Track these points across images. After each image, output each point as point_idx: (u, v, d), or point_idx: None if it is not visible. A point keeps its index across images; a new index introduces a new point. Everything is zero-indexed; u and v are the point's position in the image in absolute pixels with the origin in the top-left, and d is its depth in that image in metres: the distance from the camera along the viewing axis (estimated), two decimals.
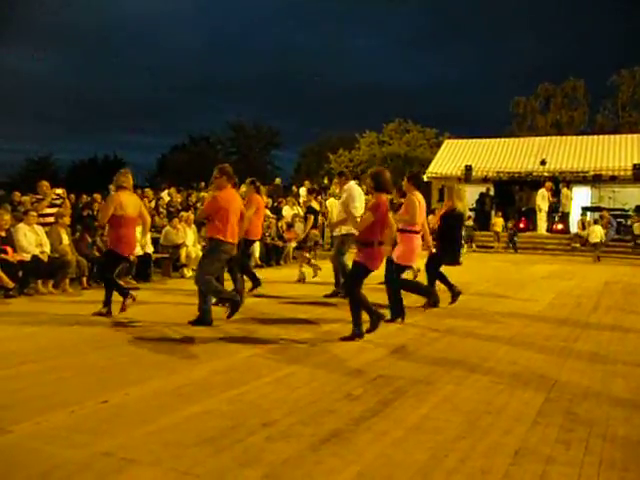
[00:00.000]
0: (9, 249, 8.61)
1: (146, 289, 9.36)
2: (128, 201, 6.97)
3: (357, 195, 8.43)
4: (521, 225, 21.91)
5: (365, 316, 5.86)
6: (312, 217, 10.34)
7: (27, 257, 8.62)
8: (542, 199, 20.43)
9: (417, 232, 7.02)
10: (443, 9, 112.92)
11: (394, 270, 6.85)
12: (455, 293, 8.02)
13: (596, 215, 19.30)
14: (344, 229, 8.28)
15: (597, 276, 12.41)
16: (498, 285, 10.69)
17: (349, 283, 6.14)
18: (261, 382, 4.38)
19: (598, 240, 16.72)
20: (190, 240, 11.60)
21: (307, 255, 10.30)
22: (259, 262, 12.72)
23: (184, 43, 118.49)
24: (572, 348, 5.71)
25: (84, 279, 9.46)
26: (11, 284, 8.16)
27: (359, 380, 4.48)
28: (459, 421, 3.63)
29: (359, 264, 5.85)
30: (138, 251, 8.91)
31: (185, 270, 11.26)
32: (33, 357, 5.03)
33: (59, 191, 10.58)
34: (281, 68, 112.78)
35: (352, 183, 8.72)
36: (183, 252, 11.30)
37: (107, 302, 6.90)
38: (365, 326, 5.85)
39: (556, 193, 22.29)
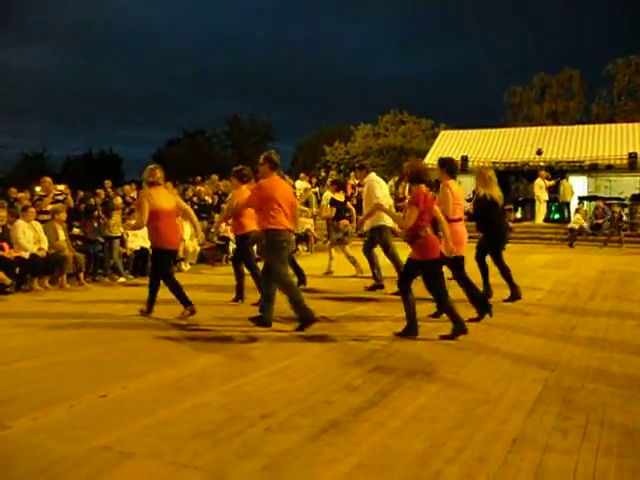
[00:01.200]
0: (5, 245, 8.60)
1: (144, 283, 9.33)
2: (158, 195, 6.67)
3: (378, 186, 8.38)
4: (517, 215, 21.89)
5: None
6: (335, 209, 10.21)
7: (25, 254, 8.60)
8: (540, 189, 20.40)
9: (457, 220, 6.78)
10: (439, 0, 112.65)
11: (452, 265, 6.61)
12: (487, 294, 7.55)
13: (580, 205, 19.32)
14: (371, 222, 8.20)
15: (594, 265, 12.43)
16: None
17: (401, 280, 5.87)
18: (259, 374, 4.39)
19: (577, 227, 17.04)
20: (187, 234, 11.58)
21: (348, 250, 10.05)
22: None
23: (179, 37, 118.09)
24: (570, 336, 5.73)
25: (81, 275, 9.44)
26: (8, 281, 8.15)
27: (357, 371, 4.49)
28: (457, 410, 3.64)
29: (414, 261, 5.63)
30: (193, 244, 8.43)
31: (182, 264, 11.25)
32: (31, 353, 5.03)
33: (61, 187, 10.60)
34: (276, 61, 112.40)
35: (372, 175, 8.68)
36: (180, 246, 11.28)
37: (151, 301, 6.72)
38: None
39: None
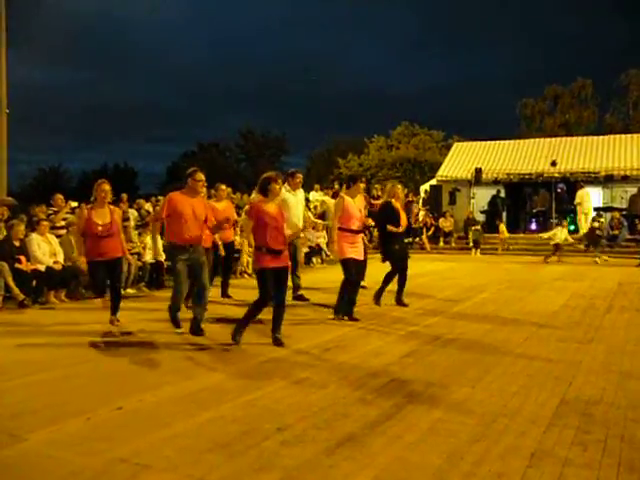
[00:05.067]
0: (23, 259, 8.69)
1: (159, 296, 9.40)
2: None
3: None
4: (532, 227, 21.77)
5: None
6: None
7: (41, 267, 8.69)
8: (581, 199, 20.29)
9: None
10: (449, 12, 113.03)
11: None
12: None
13: (564, 221, 19.05)
14: None
15: (610, 277, 12.31)
16: (510, 287, 10.62)
17: None
18: (275, 387, 4.38)
19: (560, 242, 16.88)
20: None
21: None
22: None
23: (192, 51, 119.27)
24: (587, 349, 5.67)
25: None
26: (21, 296, 8.21)
27: (373, 384, 4.47)
28: (474, 424, 3.61)
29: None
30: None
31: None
32: (47, 365, 5.07)
33: (74, 204, 10.70)
34: (290, 74, 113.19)
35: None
36: None
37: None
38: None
39: (568, 193, 22.17)
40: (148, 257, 10.53)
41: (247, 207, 6.68)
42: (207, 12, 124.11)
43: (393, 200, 8.05)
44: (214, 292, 8.41)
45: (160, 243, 10.77)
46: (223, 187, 9.06)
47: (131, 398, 4.10)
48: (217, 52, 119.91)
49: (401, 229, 7.91)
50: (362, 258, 7.38)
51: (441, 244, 20.36)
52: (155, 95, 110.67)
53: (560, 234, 16.91)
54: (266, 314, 5.88)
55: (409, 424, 3.62)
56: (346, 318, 7.07)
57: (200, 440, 3.34)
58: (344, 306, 7.15)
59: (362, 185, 7.61)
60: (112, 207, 6.91)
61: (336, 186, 22.33)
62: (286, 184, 8.25)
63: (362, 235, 7.50)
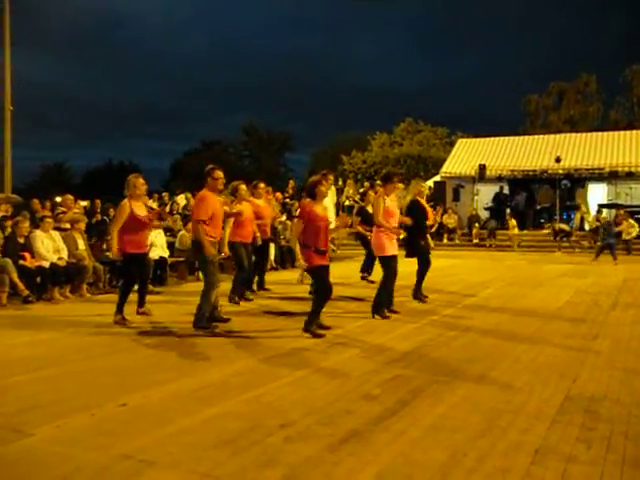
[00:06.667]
0: (27, 255, 8.72)
1: (162, 293, 9.42)
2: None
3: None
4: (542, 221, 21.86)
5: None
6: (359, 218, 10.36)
7: (45, 264, 8.71)
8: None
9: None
10: (453, 9, 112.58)
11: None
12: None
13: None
14: None
15: (615, 274, 12.28)
16: (514, 284, 10.62)
17: None
18: (278, 383, 4.39)
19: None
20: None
21: None
22: (274, 264, 12.75)
23: (197, 49, 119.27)
24: (591, 346, 5.65)
25: (100, 284, 9.54)
26: (26, 292, 8.25)
27: (377, 380, 4.47)
28: (478, 420, 3.61)
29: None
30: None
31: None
32: (52, 361, 5.08)
33: (84, 203, 10.79)
34: (293, 72, 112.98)
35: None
36: None
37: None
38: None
39: (571, 190, 22.13)
40: (153, 254, 10.53)
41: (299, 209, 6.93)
42: (210, 10, 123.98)
43: (419, 198, 8.30)
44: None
45: (164, 240, 10.80)
46: (262, 185, 9.19)
47: (135, 394, 4.11)
48: (220, 50, 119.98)
49: (430, 222, 8.38)
50: (396, 253, 7.38)
51: (445, 241, 20.34)
52: (158, 93, 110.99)
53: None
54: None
55: (413, 420, 3.62)
56: (387, 313, 7.13)
57: (204, 436, 3.35)
58: (386, 301, 7.23)
59: (400, 185, 7.69)
60: (147, 200, 7.22)
61: (366, 184, 22.31)
62: None
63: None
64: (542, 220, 22.15)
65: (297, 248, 6.01)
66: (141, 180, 7.02)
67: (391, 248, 7.17)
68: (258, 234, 8.63)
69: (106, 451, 3.13)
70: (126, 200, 6.93)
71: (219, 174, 6.59)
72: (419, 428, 3.48)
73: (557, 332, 6.29)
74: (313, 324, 6.05)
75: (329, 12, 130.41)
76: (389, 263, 7.14)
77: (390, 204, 7.27)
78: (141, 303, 7.26)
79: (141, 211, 6.94)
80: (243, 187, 8.36)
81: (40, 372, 4.74)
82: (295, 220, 6.30)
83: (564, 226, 19.24)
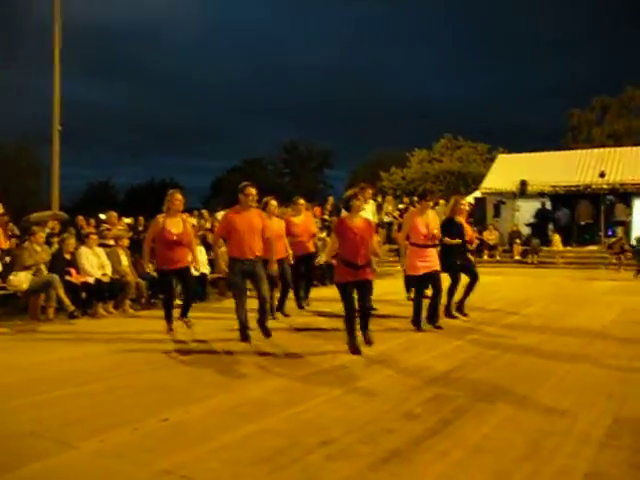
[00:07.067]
0: (73, 271, 8.94)
1: (203, 309, 9.52)
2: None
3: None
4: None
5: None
6: None
7: (90, 280, 8.92)
8: None
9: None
10: (493, 23, 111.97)
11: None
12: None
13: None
14: None
15: None
16: (557, 302, 10.37)
17: None
18: (318, 401, 4.37)
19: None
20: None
21: None
22: (315, 282, 12.74)
23: (237, 68, 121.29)
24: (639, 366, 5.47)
25: (143, 300, 9.70)
26: (71, 307, 8.44)
27: (418, 399, 4.41)
28: (522, 442, 3.52)
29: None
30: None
31: None
32: (96, 376, 5.18)
33: (127, 220, 11.03)
34: (334, 90, 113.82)
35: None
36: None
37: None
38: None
39: (611, 206, 21.56)
40: (193, 270, 10.66)
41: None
42: (251, 27, 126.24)
43: (456, 216, 8.20)
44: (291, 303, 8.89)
45: (205, 256, 10.94)
46: (302, 201, 9.21)
47: (177, 410, 4.15)
48: (259, 68, 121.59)
49: (459, 241, 8.03)
50: (436, 269, 7.29)
51: (485, 257, 20.05)
52: (200, 110, 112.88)
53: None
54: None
55: (456, 440, 3.55)
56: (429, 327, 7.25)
57: (244, 453, 3.35)
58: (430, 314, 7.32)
59: (430, 203, 7.61)
60: (184, 217, 7.18)
61: (405, 200, 22.25)
62: None
63: (433, 249, 7.41)
64: (586, 237, 21.62)
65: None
66: (177, 195, 7.04)
67: (420, 267, 7.16)
68: (290, 251, 8.61)
69: (148, 467, 3.16)
70: (160, 215, 7.03)
71: (250, 191, 6.63)
72: (462, 449, 3.41)
73: (603, 352, 6.10)
74: (349, 343, 6.02)
75: (371, 28, 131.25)
76: (410, 282, 7.21)
77: (419, 221, 7.25)
78: (183, 312, 7.40)
79: (175, 228, 6.95)
80: (273, 203, 8.30)
81: (84, 387, 4.83)
82: (332, 235, 6.30)
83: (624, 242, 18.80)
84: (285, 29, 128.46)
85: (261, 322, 6.66)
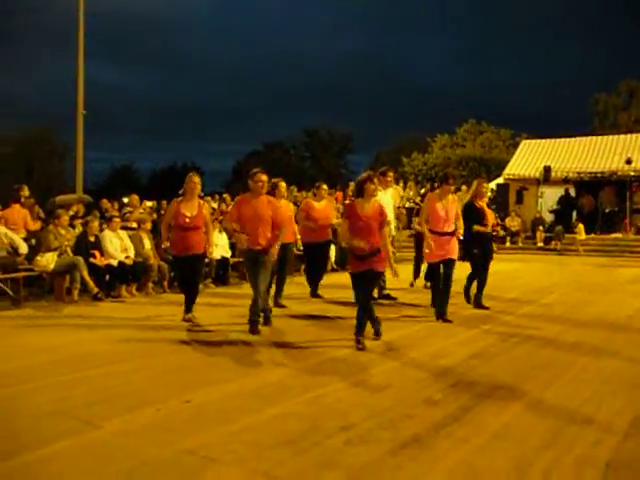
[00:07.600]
0: (97, 253, 9.06)
1: (224, 292, 9.59)
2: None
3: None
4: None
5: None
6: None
7: (114, 262, 9.03)
8: None
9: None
10: (516, 10, 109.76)
11: None
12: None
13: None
14: None
15: None
16: (580, 289, 10.25)
17: None
18: (338, 385, 4.38)
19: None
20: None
21: None
22: (335, 266, 12.76)
23: (257, 52, 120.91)
24: None
25: (165, 283, 9.80)
26: (95, 289, 8.56)
27: (438, 385, 4.41)
28: (543, 430, 3.50)
29: None
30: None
31: None
32: (120, 357, 5.25)
33: (149, 204, 11.10)
34: (354, 74, 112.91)
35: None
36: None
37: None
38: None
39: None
40: (215, 254, 10.73)
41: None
42: (273, 12, 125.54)
43: (477, 200, 7.92)
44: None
45: (227, 240, 10.99)
46: (325, 187, 9.11)
47: (198, 391, 4.20)
48: (281, 52, 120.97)
49: (488, 229, 7.88)
50: (451, 257, 7.08)
51: (507, 244, 19.88)
52: (221, 94, 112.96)
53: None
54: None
55: (476, 427, 3.55)
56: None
57: (265, 435, 3.38)
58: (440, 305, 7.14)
59: (451, 187, 7.29)
60: (201, 201, 7.15)
61: (427, 185, 22.08)
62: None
63: (451, 237, 7.14)
64: (610, 224, 21.27)
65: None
66: (195, 178, 6.90)
67: (436, 255, 7.03)
68: (298, 236, 8.52)
69: (170, 447, 3.21)
70: (177, 199, 7.02)
71: (260, 177, 6.46)
72: (482, 435, 3.41)
73: (628, 341, 6.03)
74: (376, 326, 5.91)
75: (391, 13, 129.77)
76: (433, 270, 7.24)
77: (438, 207, 7.08)
78: (186, 309, 6.98)
79: (189, 211, 6.81)
80: (283, 185, 7.95)
81: (109, 367, 4.90)
82: (342, 220, 6.07)
83: None
84: (309, 12, 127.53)
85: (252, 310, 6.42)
